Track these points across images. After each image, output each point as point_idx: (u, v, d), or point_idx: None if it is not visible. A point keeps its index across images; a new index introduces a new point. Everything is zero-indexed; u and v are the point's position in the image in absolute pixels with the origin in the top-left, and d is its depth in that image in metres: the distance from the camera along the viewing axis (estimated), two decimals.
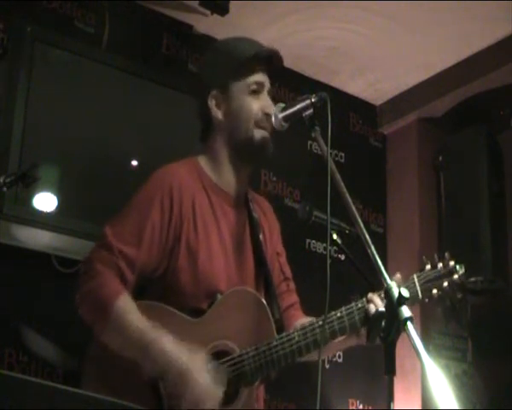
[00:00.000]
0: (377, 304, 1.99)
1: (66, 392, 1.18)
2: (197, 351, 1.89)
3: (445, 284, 2.10)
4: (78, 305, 2.00)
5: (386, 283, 1.50)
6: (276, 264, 2.26)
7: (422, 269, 2.13)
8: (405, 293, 1.45)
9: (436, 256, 2.15)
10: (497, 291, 3.74)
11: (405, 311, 1.44)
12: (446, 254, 2.15)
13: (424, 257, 2.17)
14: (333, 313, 2.03)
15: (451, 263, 2.13)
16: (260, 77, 2.15)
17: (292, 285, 2.30)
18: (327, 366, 3.84)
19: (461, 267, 2.13)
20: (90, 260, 1.97)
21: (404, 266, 4.11)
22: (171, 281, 2.01)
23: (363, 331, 2.01)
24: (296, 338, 1.99)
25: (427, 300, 2.11)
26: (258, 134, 2.09)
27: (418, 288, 2.08)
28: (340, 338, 2.07)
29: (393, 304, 1.45)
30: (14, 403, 1.13)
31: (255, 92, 2.13)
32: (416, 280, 2.09)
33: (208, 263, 2.03)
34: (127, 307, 1.91)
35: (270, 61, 2.17)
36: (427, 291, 2.09)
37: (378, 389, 3.83)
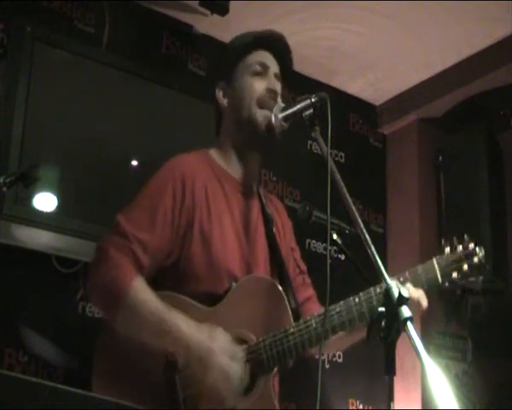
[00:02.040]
0: (410, 290, 1.98)
1: (67, 392, 1.18)
2: (217, 331, 1.88)
3: (465, 266, 2.07)
4: (91, 291, 1.97)
5: (386, 283, 1.50)
6: (291, 258, 2.26)
7: (442, 252, 2.09)
8: (405, 293, 1.45)
9: (455, 239, 2.11)
10: (497, 291, 3.74)
11: (405, 311, 1.44)
12: (466, 237, 2.10)
13: (443, 240, 2.12)
14: (351, 298, 2.02)
15: (471, 245, 2.08)
16: (262, 57, 2.14)
17: (308, 279, 2.29)
18: (327, 366, 3.85)
19: (480, 249, 2.08)
20: (104, 247, 1.94)
21: (404, 266, 4.11)
22: (185, 267, 2.00)
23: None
24: (314, 325, 1.98)
25: (447, 284, 2.07)
26: (262, 115, 2.07)
27: (438, 272, 2.05)
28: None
29: (393, 304, 1.45)
30: (14, 403, 1.13)
31: (258, 73, 2.12)
32: (435, 264, 2.07)
33: (222, 247, 2.03)
34: (143, 289, 1.89)
35: (273, 43, 2.16)
36: (446, 275, 2.06)
37: (378, 389, 3.83)
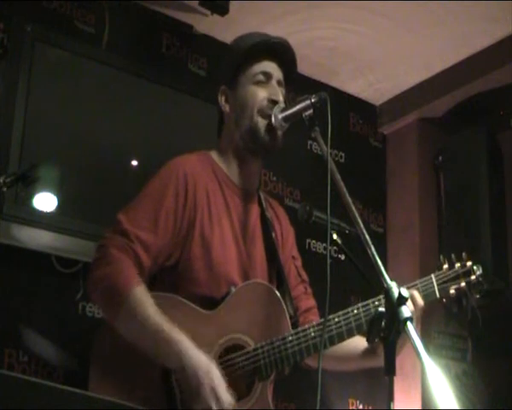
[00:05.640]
0: (418, 301, 1.99)
1: (66, 392, 1.18)
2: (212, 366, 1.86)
3: (463, 284, 2.10)
4: (91, 289, 1.94)
5: (386, 283, 1.50)
6: (292, 267, 2.26)
7: (440, 268, 2.12)
8: (405, 293, 1.45)
9: (453, 256, 2.14)
10: (497, 291, 3.73)
11: (405, 311, 1.44)
12: (464, 255, 2.14)
13: (441, 256, 2.16)
14: (349, 309, 2.02)
15: (469, 263, 2.12)
16: (266, 67, 2.13)
17: (309, 289, 2.28)
18: None
19: (478, 268, 2.13)
20: (105, 246, 1.92)
21: (404, 266, 4.13)
22: (184, 269, 1.99)
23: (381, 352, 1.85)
24: (312, 334, 1.98)
25: (444, 300, 2.11)
26: (263, 123, 2.07)
27: (436, 287, 2.08)
28: (357, 354, 2.09)
29: (393, 304, 1.45)
30: (14, 403, 1.13)
31: (262, 82, 2.12)
32: (433, 279, 2.09)
33: (222, 252, 2.02)
34: (143, 297, 1.87)
35: (277, 51, 2.15)
36: (444, 291, 2.09)
37: (378, 389, 3.83)
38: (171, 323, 1.85)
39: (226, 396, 1.82)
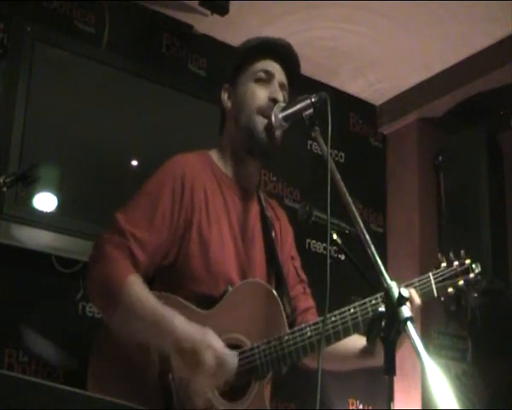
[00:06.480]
0: (415, 299, 1.98)
1: (66, 392, 1.18)
2: (210, 330, 1.87)
3: (461, 282, 2.10)
4: (89, 289, 1.97)
5: (386, 283, 1.50)
6: (291, 267, 2.25)
7: (438, 266, 2.12)
8: (405, 293, 1.45)
9: (452, 254, 2.13)
10: (497, 291, 3.73)
11: (405, 311, 1.44)
12: (462, 253, 2.13)
13: (439, 254, 2.15)
14: (346, 308, 2.01)
15: (467, 261, 2.12)
16: (268, 65, 2.13)
17: (308, 289, 2.28)
18: None
19: (477, 266, 2.12)
20: (101, 244, 1.94)
21: (404, 266, 4.13)
22: (182, 267, 2.00)
23: (380, 350, 1.73)
24: (308, 333, 1.97)
25: (442, 298, 2.10)
26: (261, 122, 2.07)
27: (434, 286, 2.07)
28: (354, 353, 2.08)
29: (393, 304, 1.45)
30: (14, 403, 1.13)
31: (263, 81, 2.12)
32: (431, 278, 2.08)
33: (220, 250, 2.02)
34: (138, 284, 1.88)
35: (280, 52, 2.15)
36: (442, 289, 2.09)
37: (378, 389, 3.83)
38: (166, 307, 1.86)
39: (227, 355, 1.85)
